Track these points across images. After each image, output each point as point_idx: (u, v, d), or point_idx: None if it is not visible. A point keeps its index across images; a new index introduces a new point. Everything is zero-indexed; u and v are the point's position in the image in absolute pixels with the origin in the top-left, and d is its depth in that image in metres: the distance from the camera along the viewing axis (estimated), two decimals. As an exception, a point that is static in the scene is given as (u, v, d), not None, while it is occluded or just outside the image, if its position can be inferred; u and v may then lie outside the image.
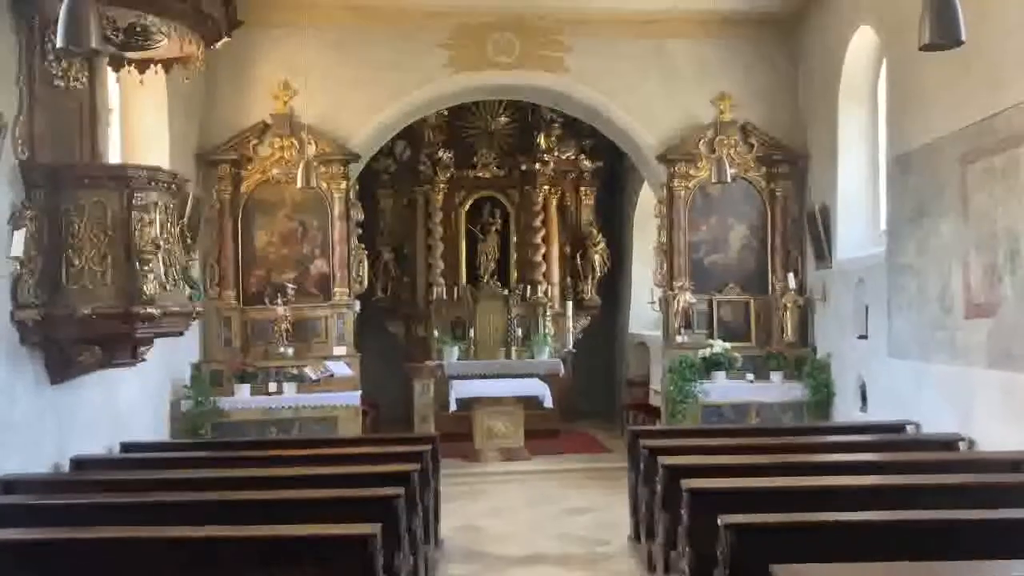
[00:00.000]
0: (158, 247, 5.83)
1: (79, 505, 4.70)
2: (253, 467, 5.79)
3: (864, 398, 8.22)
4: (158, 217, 5.88)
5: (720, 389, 9.19)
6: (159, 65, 6.65)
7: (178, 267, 6.16)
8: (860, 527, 3.92)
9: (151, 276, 5.72)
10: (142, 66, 6.62)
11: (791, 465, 5.36)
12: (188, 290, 6.34)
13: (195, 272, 8.53)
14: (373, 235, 12.61)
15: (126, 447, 6.72)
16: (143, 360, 6.29)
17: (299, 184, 7.74)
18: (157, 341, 6.52)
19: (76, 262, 5.63)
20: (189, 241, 6.45)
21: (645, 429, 7.95)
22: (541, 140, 12.94)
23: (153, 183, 5.92)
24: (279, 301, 9.06)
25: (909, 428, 6.99)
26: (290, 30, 9.33)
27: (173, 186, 6.13)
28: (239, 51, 9.13)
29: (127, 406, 7.15)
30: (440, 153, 12.76)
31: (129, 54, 6.38)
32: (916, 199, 7.11)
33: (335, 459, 6.04)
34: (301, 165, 7.72)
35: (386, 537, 4.24)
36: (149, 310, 5.69)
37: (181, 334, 6.44)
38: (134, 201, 5.76)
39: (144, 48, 6.26)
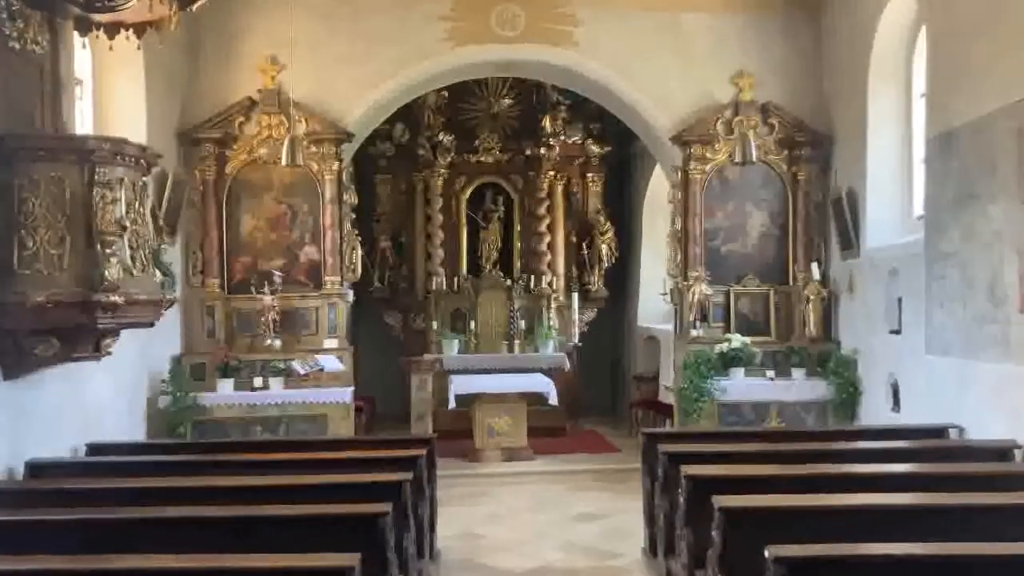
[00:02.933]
0: (124, 228, 5.25)
1: (25, 523, 4.12)
2: (229, 475, 5.20)
3: (896, 398, 7.62)
4: (124, 195, 5.29)
5: (738, 387, 8.62)
6: (130, 30, 6.06)
7: (147, 251, 5.57)
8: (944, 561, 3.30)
9: (114, 260, 5.14)
10: (111, 30, 6.03)
11: (833, 478, 4.75)
12: (159, 276, 5.74)
13: (172, 257, 7.97)
14: (370, 223, 12.13)
15: (93, 449, 6.13)
16: (108, 354, 5.69)
17: (284, 161, 7.13)
18: (133, 332, 5.95)
19: (29, 244, 5.03)
20: (162, 223, 5.83)
21: (662, 432, 7.34)
22: (546, 123, 12.28)
23: (119, 157, 5.33)
24: (266, 290, 8.49)
25: (951, 432, 6.38)
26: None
27: (142, 161, 5.57)
28: (224, 22, 8.65)
29: (98, 403, 6.59)
30: (440, 136, 12.16)
31: (95, 16, 5.80)
32: (961, 181, 6.48)
33: (321, 465, 5.47)
34: (287, 141, 7.10)
35: (371, 560, 3.67)
36: (112, 298, 5.10)
37: (151, 325, 5.83)
38: (96, 177, 5.18)
39: (111, 10, 5.67)
